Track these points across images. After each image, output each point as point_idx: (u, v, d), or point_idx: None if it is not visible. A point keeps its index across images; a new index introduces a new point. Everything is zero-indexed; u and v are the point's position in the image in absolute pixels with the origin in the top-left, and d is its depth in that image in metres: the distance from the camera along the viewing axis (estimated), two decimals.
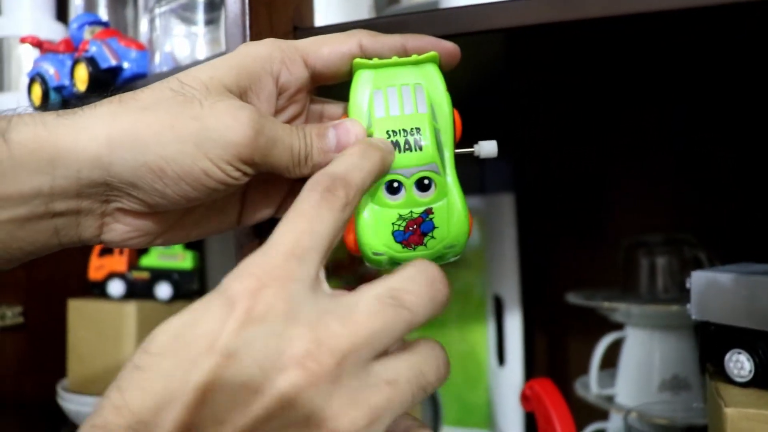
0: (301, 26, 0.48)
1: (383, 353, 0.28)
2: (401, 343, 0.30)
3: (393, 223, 0.37)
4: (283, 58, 0.38)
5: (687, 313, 0.54)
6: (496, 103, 0.82)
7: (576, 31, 0.46)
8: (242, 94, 0.37)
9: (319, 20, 0.51)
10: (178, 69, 0.62)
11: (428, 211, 0.37)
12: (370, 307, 0.28)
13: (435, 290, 0.30)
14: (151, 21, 0.66)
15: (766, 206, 0.80)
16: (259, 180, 0.40)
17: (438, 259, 0.38)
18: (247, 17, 0.44)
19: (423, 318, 0.29)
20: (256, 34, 0.44)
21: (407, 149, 0.37)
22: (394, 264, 0.38)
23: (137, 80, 0.64)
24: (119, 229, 0.37)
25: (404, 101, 0.38)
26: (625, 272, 0.81)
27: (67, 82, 0.67)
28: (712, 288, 0.52)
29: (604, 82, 0.71)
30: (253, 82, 0.37)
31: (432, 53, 0.39)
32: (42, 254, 0.36)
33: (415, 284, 0.29)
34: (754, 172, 0.83)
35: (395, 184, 0.37)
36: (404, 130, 0.37)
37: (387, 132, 0.37)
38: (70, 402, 0.89)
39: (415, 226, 0.37)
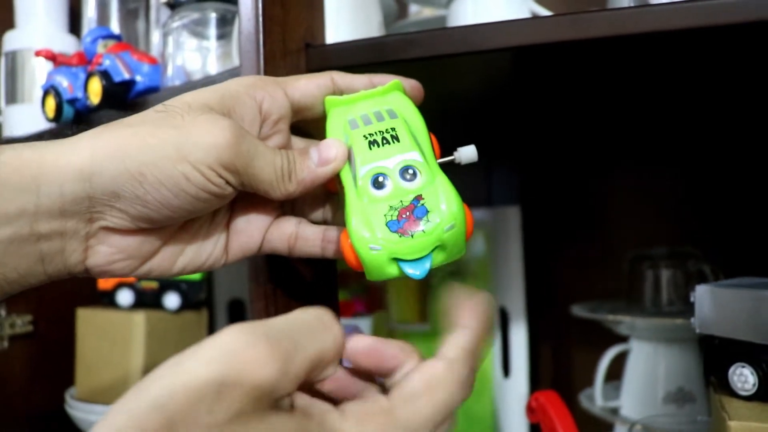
0: (312, 43, 0.49)
1: None
2: None
3: (385, 215, 0.36)
4: (265, 86, 0.39)
5: (691, 326, 0.54)
6: (504, 118, 0.83)
7: (583, 49, 0.47)
8: (225, 115, 0.37)
9: (330, 38, 0.52)
10: (190, 83, 0.63)
11: (418, 198, 0.36)
12: None
13: None
14: (164, 35, 0.67)
15: None
16: (244, 207, 0.41)
17: (442, 249, 0.36)
18: (261, 34, 0.45)
19: None
20: (270, 51, 0.45)
21: (385, 143, 0.38)
22: (397, 267, 0.36)
23: (150, 94, 0.65)
24: (104, 251, 0.37)
25: (377, 118, 0.39)
26: (630, 285, 0.81)
27: (80, 95, 0.68)
28: (716, 302, 0.52)
29: (610, 97, 0.72)
30: (237, 103, 0.38)
31: (395, 81, 0.41)
32: (27, 285, 0.35)
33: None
34: (759, 186, 0.84)
35: (380, 179, 0.37)
36: (380, 131, 0.38)
37: (363, 136, 0.38)
38: (79, 410, 0.90)
39: (408, 213, 0.36)
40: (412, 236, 0.35)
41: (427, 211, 0.36)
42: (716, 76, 0.61)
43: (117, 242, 0.37)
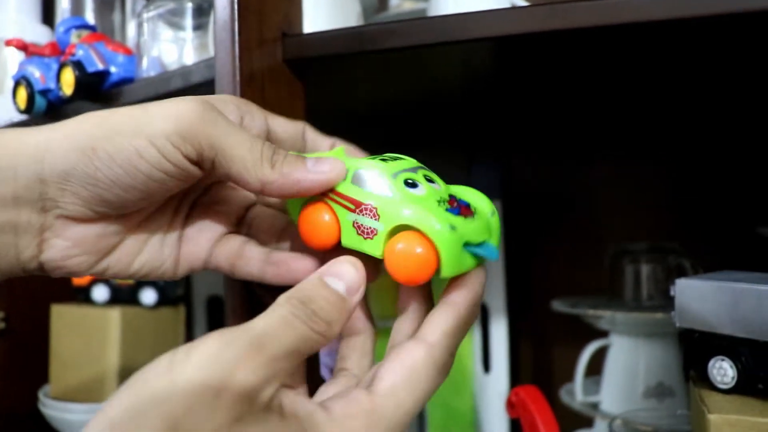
0: (289, 32, 0.48)
1: None
2: None
3: (439, 205, 0.34)
4: (248, 104, 0.39)
5: (671, 320, 0.54)
6: (485, 110, 0.82)
7: (563, 40, 0.46)
8: None
9: (308, 27, 0.51)
10: (165, 73, 0.62)
11: (452, 195, 0.36)
12: None
13: None
14: (139, 25, 0.66)
15: (749, 214, 0.81)
16: (199, 214, 0.40)
17: (488, 234, 0.35)
18: (236, 23, 0.44)
19: None
20: (245, 40, 0.44)
21: (392, 160, 0.37)
22: (470, 256, 0.33)
23: (124, 85, 0.64)
24: (59, 245, 0.36)
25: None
26: (611, 280, 0.81)
27: (53, 86, 0.67)
28: (696, 296, 0.52)
29: (592, 90, 0.72)
30: (217, 102, 0.36)
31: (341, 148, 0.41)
32: None
33: None
34: (739, 181, 0.84)
35: (410, 181, 0.35)
36: (383, 159, 0.37)
37: (370, 157, 0.37)
38: (52, 409, 0.89)
39: (456, 203, 0.35)
40: (472, 219, 0.34)
41: (468, 202, 0.36)
42: (698, 68, 0.61)
43: (73, 234, 0.36)
